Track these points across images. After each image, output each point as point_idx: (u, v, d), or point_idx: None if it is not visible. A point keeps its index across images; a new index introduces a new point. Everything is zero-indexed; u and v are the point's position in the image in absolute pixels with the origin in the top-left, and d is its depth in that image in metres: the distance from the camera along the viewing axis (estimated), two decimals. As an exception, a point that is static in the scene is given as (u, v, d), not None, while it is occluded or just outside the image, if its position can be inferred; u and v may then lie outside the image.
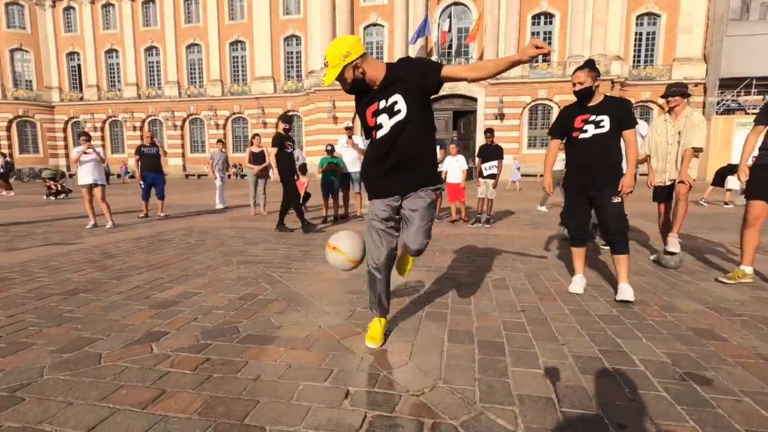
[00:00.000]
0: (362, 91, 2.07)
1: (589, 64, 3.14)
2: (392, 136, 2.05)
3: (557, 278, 3.69)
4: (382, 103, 2.03)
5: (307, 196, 8.06)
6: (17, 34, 31.33)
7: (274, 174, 6.40)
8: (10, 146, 31.95)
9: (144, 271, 3.97)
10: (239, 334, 2.45)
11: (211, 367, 2.04)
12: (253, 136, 8.77)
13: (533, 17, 25.35)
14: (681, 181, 4.13)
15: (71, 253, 4.82)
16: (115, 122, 32.64)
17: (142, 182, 8.34)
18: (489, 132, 6.92)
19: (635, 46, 25.48)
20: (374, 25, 27.04)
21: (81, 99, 32.51)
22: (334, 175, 7.33)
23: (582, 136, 3.16)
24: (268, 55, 29.13)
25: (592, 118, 3.11)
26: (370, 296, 2.33)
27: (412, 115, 2.00)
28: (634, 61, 25.52)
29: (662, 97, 4.38)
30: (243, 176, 29.55)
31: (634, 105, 25.47)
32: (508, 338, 2.37)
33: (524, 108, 25.21)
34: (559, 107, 24.72)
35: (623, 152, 3.15)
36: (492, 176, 6.76)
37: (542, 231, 6.31)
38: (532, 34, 25.47)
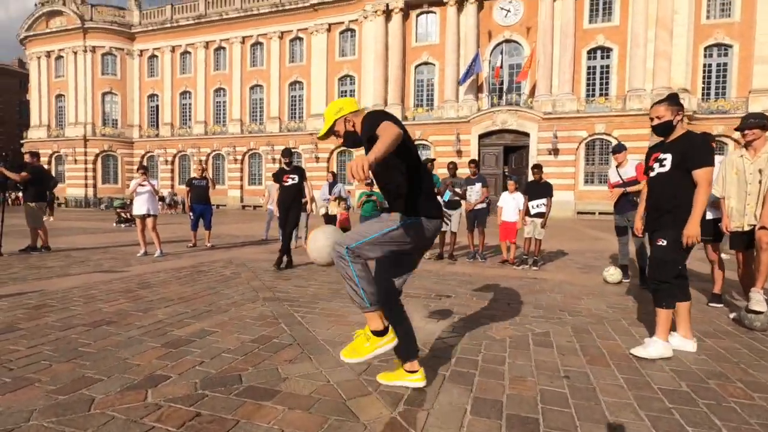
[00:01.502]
0: (359, 144, 2.16)
1: (670, 98, 2.88)
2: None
3: (612, 336, 3.18)
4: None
5: (346, 230, 7.95)
6: (109, 79, 35.43)
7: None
8: (94, 177, 35.55)
9: (172, 304, 3.95)
10: (240, 384, 2.25)
11: (198, 425, 1.84)
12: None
13: (589, 52, 24.68)
14: (763, 227, 3.51)
15: (113, 281, 4.97)
16: (184, 156, 35.35)
17: (191, 213, 8.70)
18: (536, 168, 6.51)
19: (704, 78, 23.84)
20: (425, 63, 27.62)
21: (157, 135, 35.72)
22: (374, 209, 7.20)
23: (651, 174, 2.93)
24: (324, 94, 30.51)
25: (661, 155, 2.83)
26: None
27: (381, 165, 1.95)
28: (703, 94, 23.81)
29: (737, 129, 3.85)
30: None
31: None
32: (544, 414, 1.97)
33: (580, 143, 24.16)
34: (619, 142, 23.50)
35: (690, 193, 2.71)
36: (540, 215, 6.28)
37: (595, 276, 5.69)
38: (588, 68, 24.75)
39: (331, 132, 2.15)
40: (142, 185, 7.13)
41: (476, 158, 8.52)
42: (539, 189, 6.37)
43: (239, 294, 4.40)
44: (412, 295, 4.47)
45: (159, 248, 7.17)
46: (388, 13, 27.08)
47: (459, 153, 25.23)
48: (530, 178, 7.39)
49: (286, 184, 6.19)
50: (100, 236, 10.73)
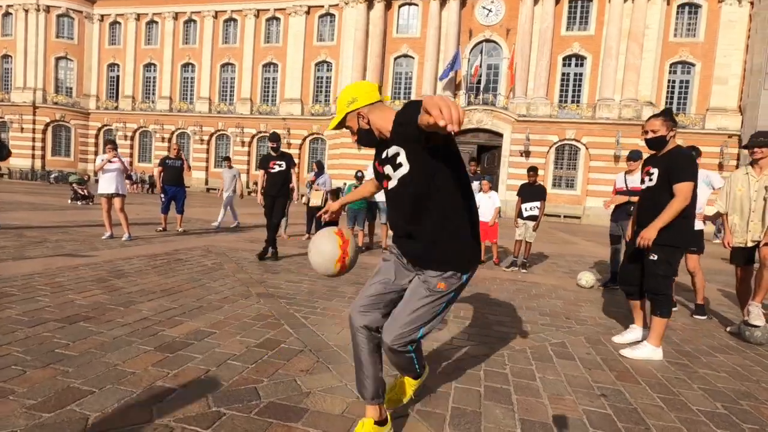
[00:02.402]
0: (373, 144, 1.71)
1: (666, 113, 2.96)
2: (397, 191, 1.64)
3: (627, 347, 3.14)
4: (384, 153, 1.66)
5: (334, 223, 7.66)
6: (64, 43, 32.72)
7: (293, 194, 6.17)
8: (43, 148, 32.89)
9: (155, 297, 3.57)
10: (259, 400, 1.99)
11: (223, 453, 1.58)
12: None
13: (564, 59, 25.28)
14: (767, 244, 3.60)
15: (80, 267, 4.47)
16: (145, 132, 33.35)
17: (162, 195, 8.11)
18: (532, 170, 6.48)
19: (668, 93, 25.06)
20: (405, 56, 27.34)
21: (116, 108, 33.44)
22: (363, 204, 6.95)
23: (644, 186, 3.04)
24: (299, 78, 29.64)
25: (650, 169, 2.96)
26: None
27: (415, 170, 1.55)
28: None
29: (744, 147, 3.91)
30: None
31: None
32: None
33: (551, 147, 24.80)
34: (587, 148, 24.35)
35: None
36: (532, 218, 6.27)
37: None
38: (563, 75, 25.36)
39: (342, 126, 1.71)
40: (111, 162, 6.51)
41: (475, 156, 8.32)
42: (533, 191, 6.34)
43: (228, 288, 4.06)
44: (413, 296, 4.30)
45: (127, 231, 6.60)
46: (370, 1, 26.53)
47: (434, 149, 25.26)
48: (501, 178, 7.35)
49: (273, 170, 5.78)
50: (54, 214, 9.82)
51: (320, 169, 8.50)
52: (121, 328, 2.80)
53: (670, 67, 24.92)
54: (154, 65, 32.86)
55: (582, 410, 2.11)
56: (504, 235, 8.42)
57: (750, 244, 3.76)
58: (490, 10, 25.78)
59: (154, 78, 33.06)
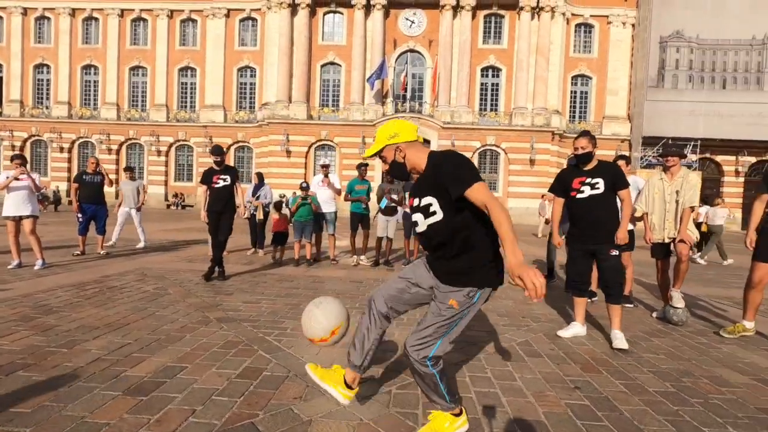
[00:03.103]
0: (404, 177, 1.93)
1: (587, 134, 3.49)
2: (426, 233, 1.85)
3: (580, 341, 3.47)
4: (416, 201, 1.86)
5: (284, 235, 7.41)
6: (-74, 38, 27.88)
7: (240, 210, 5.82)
8: None
9: (101, 333, 3.20)
10: (262, 436, 1.90)
11: (245, 499, 1.49)
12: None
13: (482, 69, 27.04)
14: (681, 241, 4.20)
15: (-6, 305, 3.86)
16: (38, 142, 29.47)
17: (80, 215, 7.26)
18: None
19: (571, 102, 27.93)
20: (332, 63, 27.32)
21: (0, 114, 29.18)
22: (309, 216, 6.83)
23: (579, 195, 3.45)
24: (220, 84, 28.22)
25: (588, 180, 3.41)
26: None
27: (448, 218, 1.76)
28: (570, 116, 27.87)
29: (660, 156, 4.53)
30: (184, 206, 27.67)
31: (570, 155, 27.66)
32: (589, 431, 2.04)
33: (474, 152, 26.30)
34: (506, 153, 26.25)
35: (618, 209, 3.50)
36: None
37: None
38: (482, 85, 27.10)
39: (378, 154, 1.90)
40: (19, 179, 5.70)
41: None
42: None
43: (182, 315, 3.76)
44: (378, 307, 4.34)
45: (40, 257, 5.81)
46: (293, 7, 26.13)
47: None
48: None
49: (217, 185, 5.44)
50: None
51: (260, 181, 8.20)
52: (73, 373, 2.48)
53: (572, 79, 27.80)
54: (47, 66, 29.24)
55: (564, 404, 2.31)
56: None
57: (667, 240, 4.35)
58: (413, 22, 26.75)
59: (48, 81, 29.41)
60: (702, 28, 24.43)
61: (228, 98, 28.62)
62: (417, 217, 1.85)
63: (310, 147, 26.21)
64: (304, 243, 6.94)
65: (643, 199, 4.55)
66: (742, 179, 25.75)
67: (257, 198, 8.00)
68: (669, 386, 2.61)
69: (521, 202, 25.03)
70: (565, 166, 4.01)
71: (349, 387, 1.98)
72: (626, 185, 3.46)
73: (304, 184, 6.96)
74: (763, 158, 25.26)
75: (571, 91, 27.92)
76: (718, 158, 25.84)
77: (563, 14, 26.24)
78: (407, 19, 26.72)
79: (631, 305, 4.79)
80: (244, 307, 4.13)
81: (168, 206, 28.10)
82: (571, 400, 2.36)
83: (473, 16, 26.06)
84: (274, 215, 7.37)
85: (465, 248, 1.76)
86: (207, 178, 5.51)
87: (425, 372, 1.78)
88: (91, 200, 7.25)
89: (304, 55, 26.38)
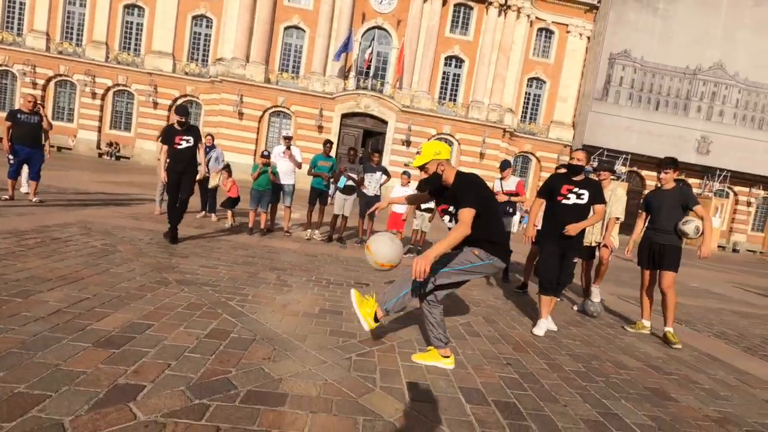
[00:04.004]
0: (435, 185, 2.66)
1: (585, 148, 3.84)
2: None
3: (513, 325, 3.95)
4: (450, 208, 2.71)
5: (236, 201, 7.30)
6: None
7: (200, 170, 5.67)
8: None
9: (55, 286, 3.14)
10: (237, 389, 2.08)
11: (230, 441, 1.69)
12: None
13: (446, 58, 27.42)
14: (605, 245, 4.83)
15: (-77, 247, 3.59)
16: (-56, 63, 25.71)
17: (11, 156, 6.68)
18: (429, 167, 7.18)
19: (524, 103, 29.25)
20: (296, 27, 26.30)
21: None
22: (267, 186, 6.82)
23: (565, 201, 3.76)
24: (171, 30, 26.16)
25: (576, 189, 3.73)
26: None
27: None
28: (522, 116, 29.24)
29: (595, 170, 5.10)
30: (118, 158, 25.81)
31: (518, 154, 29.21)
32: (517, 398, 2.44)
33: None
34: (459, 144, 27.09)
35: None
36: (429, 210, 7.00)
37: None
38: (444, 73, 27.51)
39: (423, 166, 2.56)
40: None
41: (378, 148, 8.66)
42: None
43: (139, 275, 3.75)
44: (334, 282, 4.57)
45: (-34, 200, 5.35)
46: (260, -40, 24.66)
47: (320, 128, 25.24)
48: (384, 163, 7.81)
49: (180, 146, 5.28)
50: None
51: (212, 143, 7.98)
52: (35, 323, 2.48)
53: (528, 81, 29.02)
54: (-39, -24, 25.37)
55: (498, 377, 2.72)
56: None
57: (594, 244, 4.97)
58: (384, -2, 26.34)
59: (-39, -6, 25.57)
60: (648, 51, 26.46)
61: (179, 47, 26.65)
62: (446, 217, 2.75)
63: (264, 111, 25.30)
64: (260, 212, 6.94)
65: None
66: (659, 194, 28.71)
67: (209, 160, 7.79)
68: (581, 366, 3.12)
69: (467, 193, 26.05)
70: (555, 172, 4.58)
71: (376, 320, 2.64)
72: (603, 202, 3.81)
73: (266, 153, 6.91)
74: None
75: (526, 92, 29.17)
76: (643, 172, 28.49)
77: (528, 16, 27.14)
78: (378, -6, 26.24)
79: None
80: (202, 272, 4.18)
81: (100, 155, 25.99)
82: (503, 374, 2.77)
83: (444, 3, 26.19)
84: (226, 180, 7.27)
85: (482, 233, 2.57)
86: (169, 138, 5.30)
87: (428, 311, 2.72)
88: (25, 142, 6.67)
89: (267, 14, 25.14)
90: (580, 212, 3.73)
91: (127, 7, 26.34)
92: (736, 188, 28.25)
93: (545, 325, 3.82)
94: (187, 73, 26.54)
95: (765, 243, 27.63)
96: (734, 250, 27.98)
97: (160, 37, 26.23)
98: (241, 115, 24.89)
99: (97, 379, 1.99)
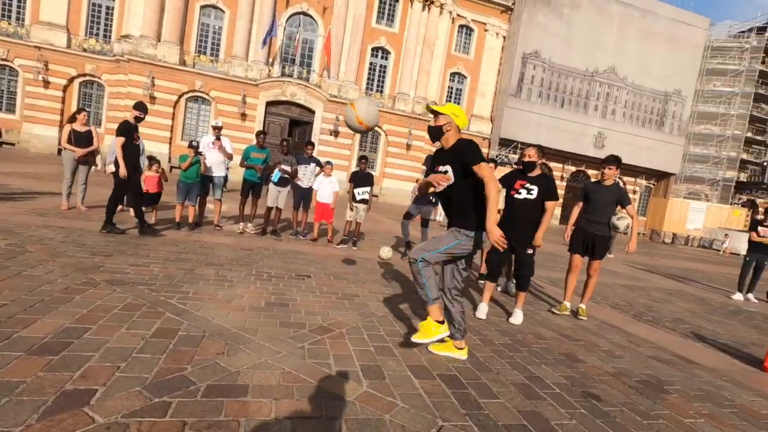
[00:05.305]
0: (436, 138, 2.85)
1: (538, 147, 4.17)
2: (445, 193, 2.86)
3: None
4: (441, 168, 2.85)
5: (158, 195, 6.83)
6: None
7: (101, 163, 5.81)
8: None
9: (-40, 293, 2.81)
10: (196, 385, 2.10)
11: (199, 433, 1.73)
12: (78, 111, 7.02)
13: (373, 49, 27.60)
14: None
15: None
16: None
17: None
18: (363, 159, 7.36)
19: (448, 97, 30.53)
20: (214, 7, 24.68)
21: None
22: (197, 178, 6.51)
23: (516, 196, 4.08)
24: (65, 2, 23.13)
25: (527, 185, 4.03)
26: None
27: (457, 181, 2.78)
28: (445, 109, 30.49)
29: (516, 163, 5.63)
30: (0, 143, 22.46)
31: (518, 160, 30.47)
32: (457, 371, 2.74)
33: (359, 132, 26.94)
34: (387, 135, 27.57)
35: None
36: (364, 201, 7.18)
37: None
38: (371, 64, 27.68)
39: (437, 113, 2.78)
40: None
41: (312, 140, 8.61)
42: (364, 178, 7.24)
43: (60, 276, 3.45)
44: (275, 275, 4.57)
45: None
46: (172, -70, 22.66)
47: (244, 116, 24.18)
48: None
49: (137, 143, 5.85)
50: None
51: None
52: (-52, 334, 2.24)
53: (451, 75, 30.29)
54: None
55: (441, 354, 3.00)
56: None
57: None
58: (308, -17, 25.68)
59: None
60: (554, 52, 28.98)
61: (75, 19, 23.65)
62: (440, 212, 2.86)
63: (180, 96, 23.55)
64: (188, 205, 6.60)
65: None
66: (564, 183, 31.83)
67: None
68: (508, 340, 3.54)
69: (396, 183, 26.81)
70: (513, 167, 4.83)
71: (461, 349, 2.96)
72: (555, 198, 4.06)
73: (195, 143, 6.57)
74: (580, 168, 31.58)
75: (449, 87, 30.43)
76: (551, 164, 31.38)
77: (450, 12, 28.23)
78: (303, -22, 25.52)
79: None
80: (133, 270, 3.95)
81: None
82: (437, 355, 3.06)
83: (370, -7, 26.24)
84: (147, 172, 6.81)
85: (467, 208, 2.79)
86: (129, 133, 5.57)
87: (416, 271, 2.73)
88: None
89: (181, -10, 23.25)
90: (529, 208, 4.00)
91: (6, -32, 22.71)
92: (626, 178, 32.23)
93: (486, 308, 4.12)
94: (85, 50, 23.69)
95: (647, 225, 31.99)
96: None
97: (49, 6, 23.05)
98: (153, 99, 22.89)
99: (41, 387, 1.89)
